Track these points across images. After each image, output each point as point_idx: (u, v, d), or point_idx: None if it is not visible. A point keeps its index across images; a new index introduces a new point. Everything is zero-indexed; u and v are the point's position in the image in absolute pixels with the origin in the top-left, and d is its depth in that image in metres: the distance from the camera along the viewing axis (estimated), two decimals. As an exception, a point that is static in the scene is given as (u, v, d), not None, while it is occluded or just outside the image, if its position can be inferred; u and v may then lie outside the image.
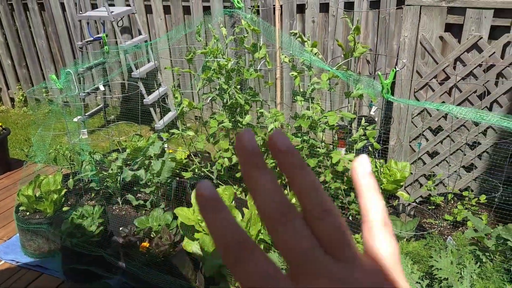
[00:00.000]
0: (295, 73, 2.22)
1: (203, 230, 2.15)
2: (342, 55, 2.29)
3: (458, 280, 1.60)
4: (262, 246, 2.09)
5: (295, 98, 2.35)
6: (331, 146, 2.56)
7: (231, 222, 0.24)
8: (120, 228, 2.34)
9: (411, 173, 2.55)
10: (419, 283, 1.61)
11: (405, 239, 2.09)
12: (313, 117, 2.25)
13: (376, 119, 3.24)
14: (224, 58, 2.32)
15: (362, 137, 2.22)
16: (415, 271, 1.64)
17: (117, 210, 2.60)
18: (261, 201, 0.24)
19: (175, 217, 2.30)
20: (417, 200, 2.64)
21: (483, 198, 2.22)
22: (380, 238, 0.26)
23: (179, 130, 2.43)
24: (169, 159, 2.43)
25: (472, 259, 1.67)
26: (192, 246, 2.11)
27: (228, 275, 1.92)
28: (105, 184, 2.62)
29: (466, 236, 1.82)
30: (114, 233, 2.43)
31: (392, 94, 2.64)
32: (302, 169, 0.25)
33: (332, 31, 3.46)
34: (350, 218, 2.34)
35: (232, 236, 0.23)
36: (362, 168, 0.27)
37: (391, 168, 2.42)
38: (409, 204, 2.54)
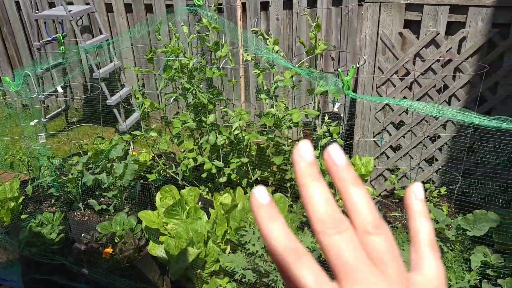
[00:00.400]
0: (258, 71, 2.20)
1: (168, 233, 2.10)
2: (305, 52, 2.29)
3: (420, 272, 1.63)
4: (229, 247, 2.07)
5: (259, 96, 2.34)
6: (297, 143, 2.56)
7: (284, 229, 0.25)
8: (82, 235, 2.26)
9: (376, 168, 2.59)
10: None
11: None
12: (277, 115, 2.24)
13: (342, 115, 3.28)
14: (186, 57, 2.28)
15: (326, 133, 2.24)
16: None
17: (79, 216, 2.51)
18: (314, 211, 0.25)
19: (139, 221, 2.24)
20: (382, 194, 2.68)
21: (443, 189, 2.28)
22: (427, 259, 0.28)
23: (141, 132, 2.37)
24: (132, 162, 2.37)
25: (434, 250, 1.71)
26: (157, 250, 2.06)
27: (194, 278, 1.88)
28: (65, 189, 2.52)
29: (427, 228, 1.86)
30: (76, 240, 2.34)
31: (355, 90, 2.68)
32: (355, 185, 0.26)
33: (296, 28, 3.47)
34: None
35: (284, 243, 0.25)
36: (415, 195, 0.30)
37: (356, 164, 2.45)
38: (374, 198, 2.58)
